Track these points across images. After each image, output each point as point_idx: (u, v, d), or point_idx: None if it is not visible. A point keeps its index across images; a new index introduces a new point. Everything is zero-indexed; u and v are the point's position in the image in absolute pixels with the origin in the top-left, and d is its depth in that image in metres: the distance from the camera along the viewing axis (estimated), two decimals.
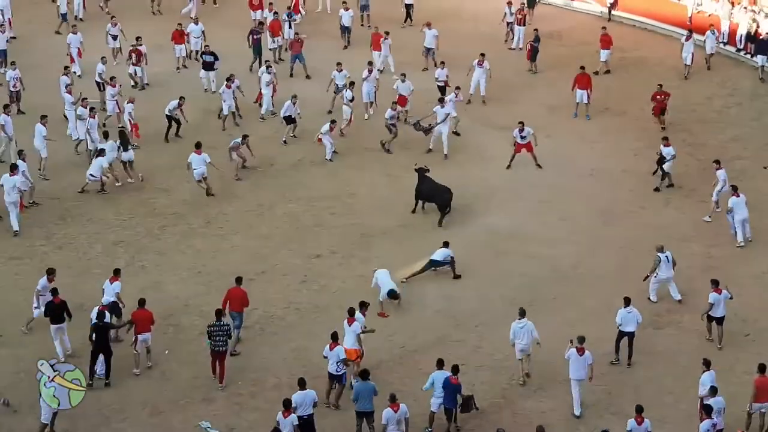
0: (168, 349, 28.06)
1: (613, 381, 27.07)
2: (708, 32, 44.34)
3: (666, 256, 29.66)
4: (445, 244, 31.18)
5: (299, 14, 47.38)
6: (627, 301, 27.79)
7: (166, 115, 38.17)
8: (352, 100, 39.25)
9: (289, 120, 38.27)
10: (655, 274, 29.76)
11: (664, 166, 35.33)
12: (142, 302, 27.41)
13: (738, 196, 32.59)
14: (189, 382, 27.00)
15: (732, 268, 31.26)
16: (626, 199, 35.27)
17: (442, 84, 40.59)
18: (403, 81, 39.96)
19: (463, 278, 31.23)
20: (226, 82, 38.94)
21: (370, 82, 40.54)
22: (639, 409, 24.31)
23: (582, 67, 40.79)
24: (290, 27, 45.40)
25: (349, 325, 26.87)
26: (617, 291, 29.60)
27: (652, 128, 39.42)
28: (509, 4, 46.64)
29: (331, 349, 26.07)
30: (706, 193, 34.83)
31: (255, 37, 43.62)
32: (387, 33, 43.84)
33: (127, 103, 37.77)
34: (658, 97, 39.03)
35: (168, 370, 27.40)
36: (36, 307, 28.32)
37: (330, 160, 37.60)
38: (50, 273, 28.54)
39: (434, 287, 30.90)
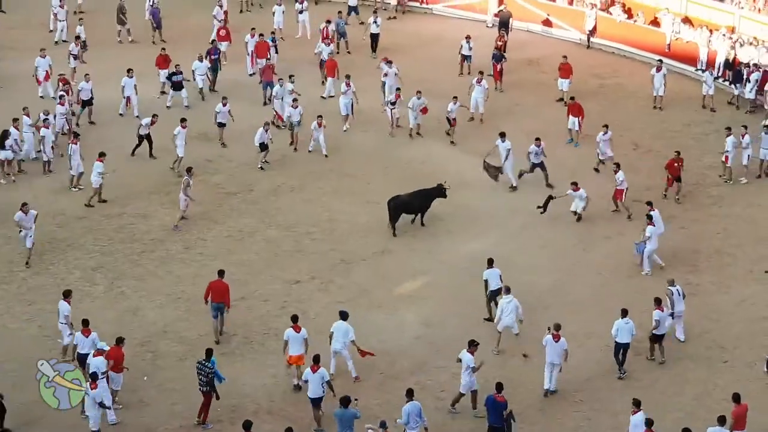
0: (146, 376, 27.94)
1: (591, 408, 27.11)
2: (707, 73, 44.19)
3: (677, 290, 29.40)
4: (490, 262, 30.62)
5: (328, 42, 46.77)
6: (624, 313, 28.05)
7: (140, 134, 38.34)
8: (394, 104, 40.68)
9: (263, 147, 38.34)
10: (670, 311, 29.47)
11: (580, 209, 34.95)
12: (119, 340, 26.94)
13: (654, 225, 32.63)
14: (167, 409, 26.89)
15: (711, 295, 31.37)
16: (605, 225, 35.32)
17: (451, 118, 40.37)
18: (418, 98, 40.44)
19: (443, 304, 31.27)
20: (181, 123, 37.92)
21: (348, 96, 41.22)
22: (649, 423, 24.39)
23: (572, 97, 41.29)
24: (276, 51, 45.60)
25: (297, 333, 27.37)
26: (597, 317, 29.74)
27: (631, 154, 39.54)
28: (468, 38, 46.44)
29: (313, 371, 26.01)
30: (684, 219, 35.04)
31: (213, 57, 43.77)
32: (390, 62, 43.74)
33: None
34: (675, 164, 36.75)
35: (146, 396, 27.27)
36: (70, 334, 28.04)
37: (326, 155, 39.22)
38: (67, 295, 28.54)
39: (414, 313, 30.91)
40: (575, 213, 35.13)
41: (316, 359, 26.30)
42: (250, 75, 45.13)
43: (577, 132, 40.50)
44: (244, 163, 38.73)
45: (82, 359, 26.88)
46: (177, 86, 42.27)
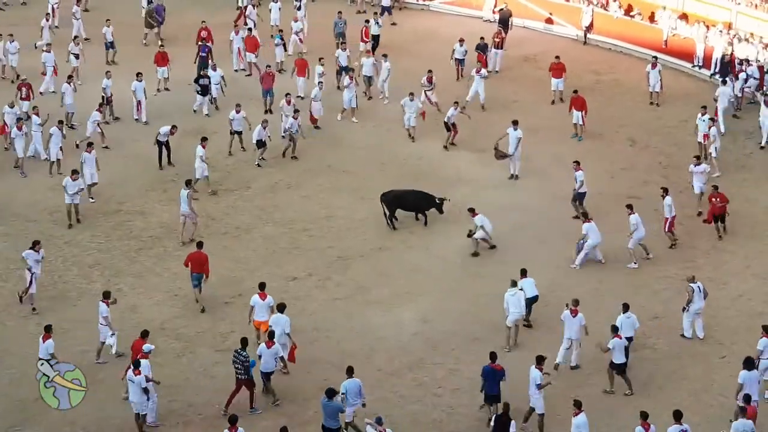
0: None
1: (588, 404, 27.02)
2: (727, 81, 43.61)
3: (698, 287, 29.36)
4: (524, 272, 30.19)
5: (367, 41, 46.90)
6: (625, 307, 28.16)
7: (158, 141, 38.01)
8: (430, 85, 41.63)
9: (260, 144, 38.38)
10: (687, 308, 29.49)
11: (476, 236, 33.63)
12: (144, 333, 27.14)
13: (590, 221, 32.74)
14: (165, 406, 26.89)
15: (709, 291, 31.27)
16: (602, 221, 35.23)
17: (451, 123, 39.85)
18: (411, 100, 40.41)
19: (440, 300, 31.32)
20: (201, 142, 36.94)
21: (350, 90, 41.70)
22: (644, 416, 24.50)
23: (575, 91, 41.11)
24: (285, 50, 45.85)
25: (263, 300, 28.49)
26: (593, 314, 29.69)
27: (628, 151, 39.63)
28: (461, 41, 45.83)
29: (268, 347, 26.68)
30: (679, 215, 34.93)
31: (202, 54, 43.95)
32: (385, 56, 43.95)
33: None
34: (713, 199, 34.32)
35: None
36: (112, 335, 28.32)
37: (304, 134, 39.70)
38: (106, 296, 28.60)
39: (411, 310, 30.93)
40: (477, 242, 33.45)
41: (271, 335, 26.99)
42: (236, 71, 45.34)
43: (581, 126, 40.48)
44: (242, 160, 38.75)
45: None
46: (204, 90, 42.21)
